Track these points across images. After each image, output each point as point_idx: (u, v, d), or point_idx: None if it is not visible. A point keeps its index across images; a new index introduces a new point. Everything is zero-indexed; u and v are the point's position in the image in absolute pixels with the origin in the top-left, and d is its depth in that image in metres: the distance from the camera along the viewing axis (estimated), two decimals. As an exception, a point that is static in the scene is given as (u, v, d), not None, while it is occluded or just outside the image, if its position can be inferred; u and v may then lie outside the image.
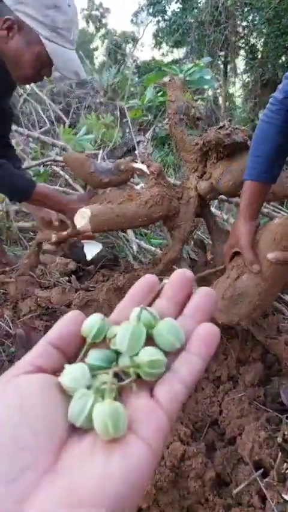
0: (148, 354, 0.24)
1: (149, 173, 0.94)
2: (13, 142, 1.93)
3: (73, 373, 0.23)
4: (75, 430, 0.22)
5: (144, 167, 0.95)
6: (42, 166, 1.82)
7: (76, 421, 0.22)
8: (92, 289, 1.17)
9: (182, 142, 0.96)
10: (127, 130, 2.84)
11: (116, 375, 0.24)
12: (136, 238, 1.46)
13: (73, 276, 1.31)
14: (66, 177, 1.90)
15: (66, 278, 1.28)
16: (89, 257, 0.91)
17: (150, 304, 0.27)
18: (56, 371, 0.24)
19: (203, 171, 0.97)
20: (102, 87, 3.48)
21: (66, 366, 0.24)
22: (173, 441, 0.73)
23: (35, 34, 0.95)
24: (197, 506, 0.68)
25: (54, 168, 1.90)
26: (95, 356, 0.25)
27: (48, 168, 1.88)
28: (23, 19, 0.94)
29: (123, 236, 1.50)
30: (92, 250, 0.91)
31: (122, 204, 0.89)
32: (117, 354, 0.26)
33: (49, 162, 1.78)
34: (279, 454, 0.73)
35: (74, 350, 0.26)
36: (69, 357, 0.25)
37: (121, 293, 1.04)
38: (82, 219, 0.87)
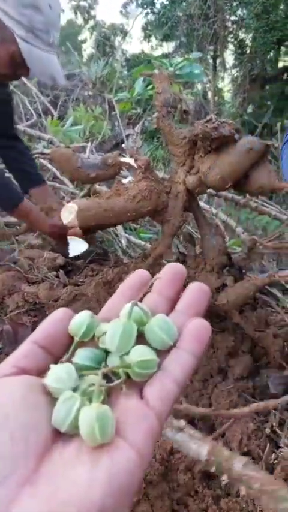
0: (139, 354, 0.23)
1: (136, 167, 0.93)
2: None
3: (58, 374, 0.22)
4: (60, 435, 0.21)
5: (131, 161, 0.94)
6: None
7: (61, 426, 0.21)
8: (81, 283, 1.16)
9: (169, 136, 0.95)
10: (116, 124, 2.82)
11: (104, 375, 0.23)
12: (125, 233, 1.45)
13: (61, 270, 1.29)
14: (54, 170, 1.87)
15: (54, 273, 1.26)
16: (71, 254, 0.89)
17: (141, 300, 0.26)
18: (42, 372, 0.23)
19: (191, 165, 0.96)
20: (91, 79, 3.43)
21: (52, 366, 0.23)
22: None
23: (9, 32, 0.91)
24: (186, 498, 0.69)
25: (42, 161, 1.87)
26: (82, 355, 0.24)
27: (36, 161, 1.85)
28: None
29: (113, 231, 1.49)
30: (76, 248, 0.89)
31: (109, 199, 0.88)
32: (107, 352, 0.24)
33: (36, 155, 1.75)
34: (268, 445, 0.74)
35: (61, 349, 0.24)
36: (56, 356, 0.24)
37: (110, 287, 1.04)
38: (69, 214, 0.86)
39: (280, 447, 0.74)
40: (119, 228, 1.44)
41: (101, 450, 0.20)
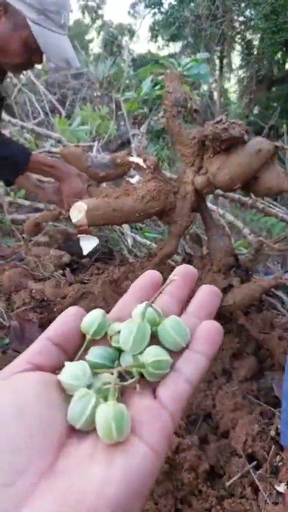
0: (153, 354, 0.23)
1: (145, 167, 0.93)
2: (6, 132, 1.90)
3: (73, 371, 0.22)
4: (74, 432, 0.21)
5: (140, 161, 0.94)
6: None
7: (76, 422, 0.21)
8: (87, 282, 1.16)
9: (179, 136, 0.95)
10: (122, 123, 2.82)
11: (119, 374, 0.23)
12: (131, 232, 1.45)
13: (67, 268, 1.30)
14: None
15: (61, 271, 1.27)
16: (85, 252, 0.90)
17: (153, 301, 0.26)
18: (56, 369, 0.23)
19: (200, 166, 0.96)
20: (98, 78, 3.44)
21: (66, 364, 0.23)
22: (168, 434, 0.73)
23: (21, 17, 0.89)
24: (190, 497, 0.69)
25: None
26: (96, 353, 0.24)
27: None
28: (9, 1, 0.88)
29: (118, 230, 1.49)
30: (88, 245, 0.90)
31: (118, 199, 0.88)
32: (119, 351, 0.25)
33: (44, 153, 1.75)
34: (272, 447, 0.74)
35: (74, 347, 0.25)
36: (69, 354, 0.24)
37: (116, 285, 1.04)
38: (78, 212, 0.86)
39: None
40: (125, 226, 1.45)
41: (116, 448, 0.20)
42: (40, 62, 0.99)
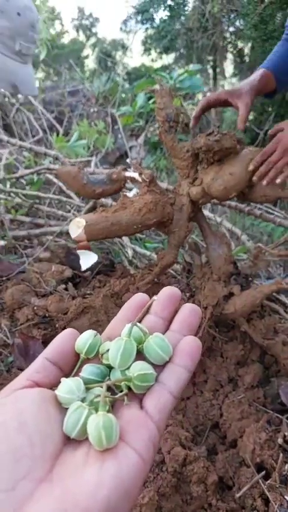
0: (139, 369, 0.25)
1: (141, 181, 0.95)
2: (6, 152, 1.93)
3: (69, 386, 0.25)
4: (70, 441, 0.23)
5: (136, 175, 0.96)
6: (36, 174, 1.83)
7: (71, 432, 0.23)
8: (89, 295, 1.17)
9: (172, 150, 0.97)
10: (119, 136, 2.86)
11: (108, 388, 0.25)
12: (131, 243, 1.46)
13: (69, 283, 1.31)
14: (60, 184, 1.90)
15: (63, 286, 1.28)
16: (83, 267, 0.91)
17: (140, 321, 0.29)
18: (53, 385, 0.26)
19: (195, 177, 0.98)
20: (94, 94, 3.50)
21: (62, 380, 0.25)
22: (174, 446, 0.72)
23: None
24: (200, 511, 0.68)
25: (48, 175, 1.91)
26: (89, 371, 0.26)
27: (42, 176, 1.89)
28: None
29: (119, 242, 1.50)
30: (87, 260, 0.91)
31: (116, 213, 0.90)
32: (110, 368, 0.27)
33: (43, 170, 1.78)
34: (280, 455, 0.73)
35: (69, 365, 0.27)
36: (65, 371, 0.27)
37: (118, 298, 1.04)
38: (77, 228, 0.87)
39: (293, 457, 0.74)
40: (125, 238, 1.46)
41: (107, 454, 0.22)
42: None
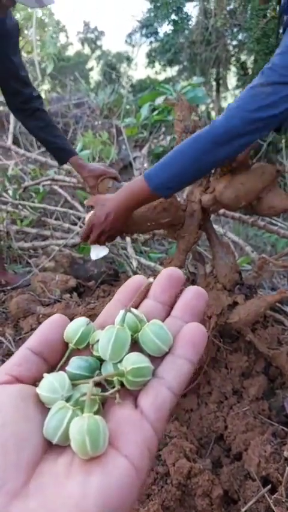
0: (133, 361, 0.22)
1: None
2: (12, 162, 1.96)
3: (51, 383, 0.21)
4: (51, 447, 0.20)
5: None
6: (41, 185, 1.85)
7: (53, 437, 0.20)
8: (93, 304, 1.17)
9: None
10: (123, 147, 2.90)
11: (98, 384, 0.22)
12: (136, 255, 1.47)
13: (74, 292, 1.31)
14: (65, 195, 1.93)
15: (68, 295, 1.28)
16: (93, 257, 0.92)
17: (137, 306, 0.25)
18: (37, 379, 0.22)
19: (207, 186, 1.01)
20: (98, 106, 3.56)
21: (45, 375, 0.22)
22: (179, 458, 0.72)
23: None
24: (205, 525, 0.67)
25: (53, 186, 1.93)
26: (76, 364, 0.23)
27: (47, 186, 1.91)
28: None
29: (124, 254, 1.51)
30: (98, 252, 0.91)
31: None
32: (101, 361, 0.23)
33: (48, 182, 1.81)
34: (287, 468, 0.72)
35: (57, 356, 0.24)
36: (51, 363, 0.23)
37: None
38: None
39: (299, 471, 0.73)
40: (130, 250, 1.47)
41: (93, 462, 0.19)
42: (12, 4, 1.02)
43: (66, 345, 0.24)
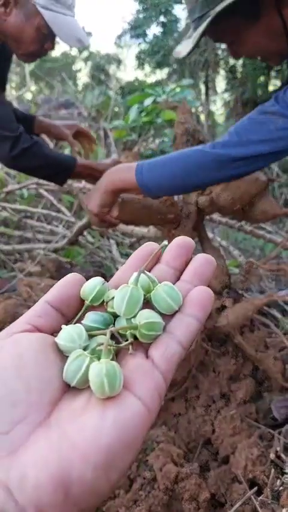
0: (146, 317, 0.24)
1: None
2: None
3: (70, 334, 0.23)
4: (69, 390, 0.22)
5: None
6: (26, 189, 1.83)
7: (71, 380, 0.22)
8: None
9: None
10: (112, 150, 2.90)
11: (112, 337, 0.24)
12: (122, 258, 1.48)
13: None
14: (51, 198, 1.91)
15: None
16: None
17: (149, 270, 0.27)
18: (54, 331, 0.24)
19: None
20: (86, 107, 3.55)
21: (63, 327, 0.24)
22: (166, 463, 0.72)
23: (31, 5, 0.92)
24: (192, 530, 0.67)
25: (40, 190, 1.91)
26: (92, 318, 0.25)
27: (33, 190, 1.89)
28: None
29: (110, 257, 1.51)
30: None
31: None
32: (115, 317, 0.26)
33: (33, 186, 1.79)
34: (272, 470, 0.73)
35: (72, 312, 0.26)
36: (67, 318, 0.25)
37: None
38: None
39: (285, 473, 0.74)
40: (116, 253, 1.47)
41: (108, 401, 0.21)
42: (52, 48, 1.02)
43: (82, 302, 0.26)
